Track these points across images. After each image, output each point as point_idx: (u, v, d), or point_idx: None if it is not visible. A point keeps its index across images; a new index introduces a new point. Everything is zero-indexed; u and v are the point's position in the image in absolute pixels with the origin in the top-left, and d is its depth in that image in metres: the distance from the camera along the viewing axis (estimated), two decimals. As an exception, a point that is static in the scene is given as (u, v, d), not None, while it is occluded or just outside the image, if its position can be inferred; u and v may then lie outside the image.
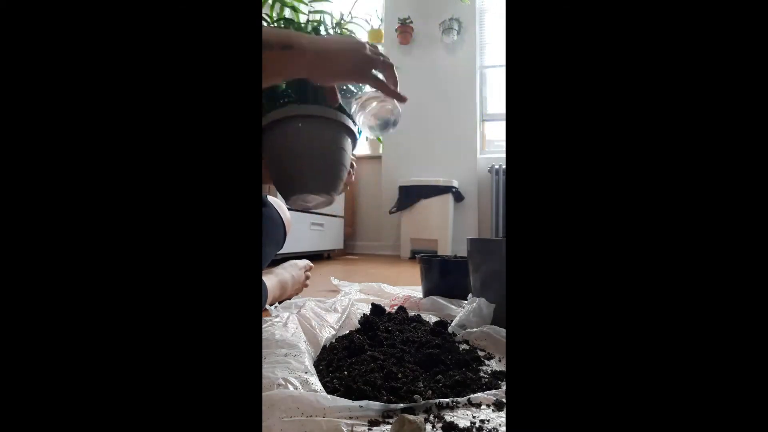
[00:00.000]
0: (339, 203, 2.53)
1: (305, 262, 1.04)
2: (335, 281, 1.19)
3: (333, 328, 0.67)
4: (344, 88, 0.55)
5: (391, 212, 2.74)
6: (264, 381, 0.40)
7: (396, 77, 0.49)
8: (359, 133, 0.54)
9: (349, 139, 0.53)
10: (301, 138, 0.48)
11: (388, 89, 0.47)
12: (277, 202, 0.91)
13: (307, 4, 0.57)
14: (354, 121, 0.52)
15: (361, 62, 0.45)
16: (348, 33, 0.57)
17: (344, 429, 0.33)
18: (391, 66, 0.48)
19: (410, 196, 2.63)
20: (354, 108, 0.50)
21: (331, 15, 0.57)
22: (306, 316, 0.67)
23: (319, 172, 0.49)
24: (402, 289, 1.10)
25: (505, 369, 0.50)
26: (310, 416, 0.34)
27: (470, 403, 0.40)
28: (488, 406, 0.39)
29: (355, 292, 1.04)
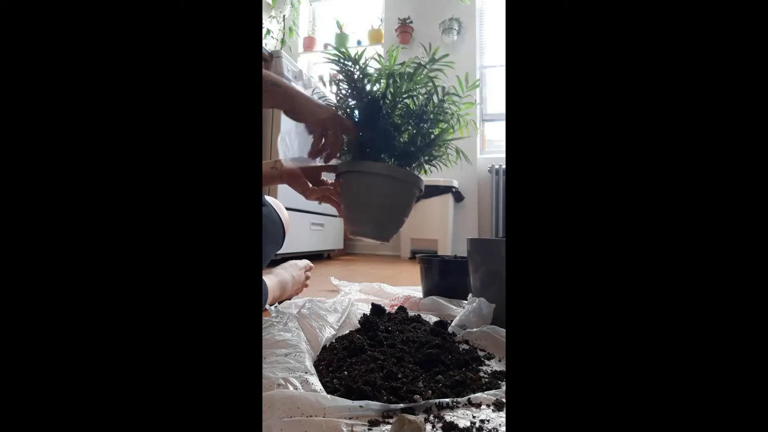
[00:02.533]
0: (339, 203, 2.53)
1: (305, 262, 1.04)
2: (335, 281, 1.19)
3: (333, 328, 0.66)
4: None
5: (391, 212, 2.74)
6: (264, 381, 0.40)
7: (333, 152, 0.60)
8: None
9: (414, 193, 0.61)
10: (370, 192, 0.57)
11: (314, 154, 0.61)
12: (275, 201, 0.91)
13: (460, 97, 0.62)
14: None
15: (322, 122, 0.59)
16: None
17: (344, 429, 0.33)
18: (338, 143, 0.60)
19: (410, 196, 2.63)
20: (295, 132, 0.65)
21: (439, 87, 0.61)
22: (306, 315, 0.67)
23: (379, 223, 0.59)
24: (402, 289, 1.10)
25: (504, 369, 0.50)
26: (310, 416, 0.34)
27: (470, 403, 0.40)
28: (488, 406, 0.39)
29: (355, 292, 1.04)
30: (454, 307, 0.83)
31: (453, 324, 0.67)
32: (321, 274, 1.50)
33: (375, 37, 3.09)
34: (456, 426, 0.35)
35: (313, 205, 2.12)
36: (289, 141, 0.67)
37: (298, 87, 0.62)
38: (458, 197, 2.71)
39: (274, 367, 0.44)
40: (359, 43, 3.12)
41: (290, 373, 0.42)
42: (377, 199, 0.57)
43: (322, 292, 1.07)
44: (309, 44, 3.32)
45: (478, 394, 0.41)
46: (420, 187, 0.60)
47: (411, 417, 0.33)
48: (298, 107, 0.59)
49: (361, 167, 0.57)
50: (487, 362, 0.54)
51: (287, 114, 0.60)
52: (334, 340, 0.60)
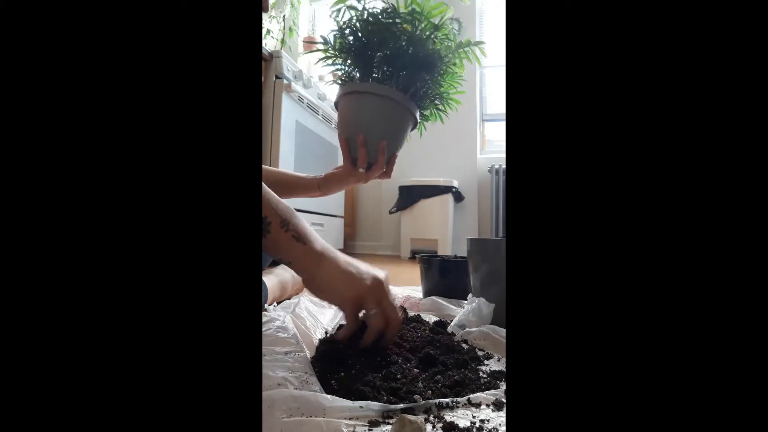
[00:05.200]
0: (339, 203, 2.53)
1: (305, 262, 1.04)
2: (335, 281, 1.18)
3: (328, 327, 0.67)
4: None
5: (391, 212, 2.74)
6: (264, 380, 0.40)
7: (391, 334, 0.47)
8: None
9: (409, 119, 0.63)
10: (368, 113, 0.60)
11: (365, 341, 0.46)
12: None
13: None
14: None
15: (353, 302, 0.44)
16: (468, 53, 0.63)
17: (344, 429, 0.33)
18: (394, 327, 0.46)
19: (410, 196, 2.63)
20: None
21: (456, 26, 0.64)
22: (300, 315, 0.67)
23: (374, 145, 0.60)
24: (402, 289, 1.10)
25: (503, 369, 0.50)
26: (310, 416, 0.34)
27: (470, 403, 0.40)
28: (488, 405, 0.39)
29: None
30: (454, 307, 0.83)
31: (452, 324, 0.67)
32: (321, 274, 1.49)
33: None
34: (456, 426, 0.35)
35: (313, 205, 2.12)
36: None
37: (329, 248, 0.46)
38: (458, 197, 2.71)
39: (273, 365, 0.44)
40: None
41: (290, 372, 0.42)
42: (375, 119, 0.59)
43: (322, 292, 1.07)
44: (309, 44, 3.31)
45: (478, 394, 0.41)
46: (415, 115, 0.62)
47: (411, 417, 0.33)
48: (321, 281, 0.44)
49: (363, 88, 0.60)
50: (486, 362, 0.54)
51: (305, 284, 0.46)
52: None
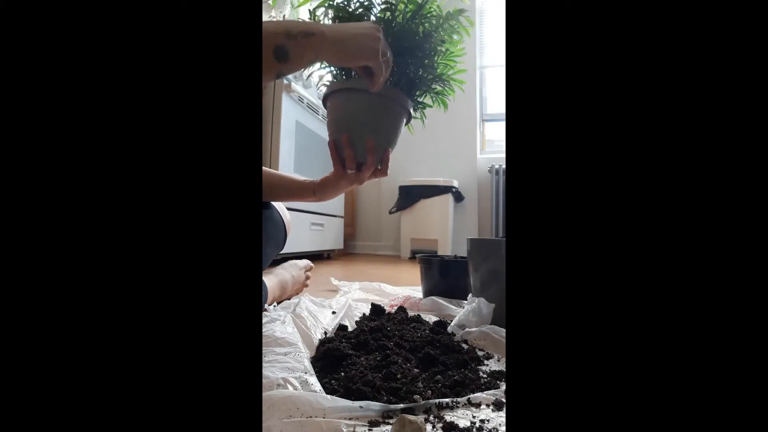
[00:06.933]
0: (339, 203, 2.53)
1: (306, 262, 1.04)
2: (335, 281, 1.19)
3: (328, 328, 0.67)
4: None
5: (391, 212, 2.74)
6: (264, 380, 0.40)
7: (385, 75, 0.54)
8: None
9: (401, 113, 0.60)
10: (356, 110, 0.57)
11: (374, 83, 0.51)
12: (277, 203, 0.91)
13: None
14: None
15: (373, 50, 0.49)
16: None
17: (344, 430, 0.33)
18: (389, 62, 0.52)
19: (410, 196, 2.63)
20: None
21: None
22: (300, 315, 0.67)
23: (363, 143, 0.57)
24: (402, 289, 1.10)
25: (503, 369, 0.50)
26: (310, 417, 0.34)
27: (470, 403, 0.40)
28: (488, 405, 0.39)
29: (355, 291, 1.04)
30: (454, 307, 0.83)
31: (452, 324, 0.67)
32: (321, 274, 1.49)
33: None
34: (456, 426, 0.35)
35: (313, 204, 2.12)
36: None
37: (329, 24, 0.52)
38: (458, 197, 2.71)
39: (273, 366, 0.44)
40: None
41: (290, 373, 0.42)
42: (359, 116, 0.56)
43: (322, 292, 1.07)
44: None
45: (478, 394, 0.41)
46: (406, 106, 0.60)
47: (412, 417, 0.33)
48: (347, 49, 0.47)
49: (350, 84, 0.57)
50: (486, 362, 0.54)
51: (332, 62, 0.51)
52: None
